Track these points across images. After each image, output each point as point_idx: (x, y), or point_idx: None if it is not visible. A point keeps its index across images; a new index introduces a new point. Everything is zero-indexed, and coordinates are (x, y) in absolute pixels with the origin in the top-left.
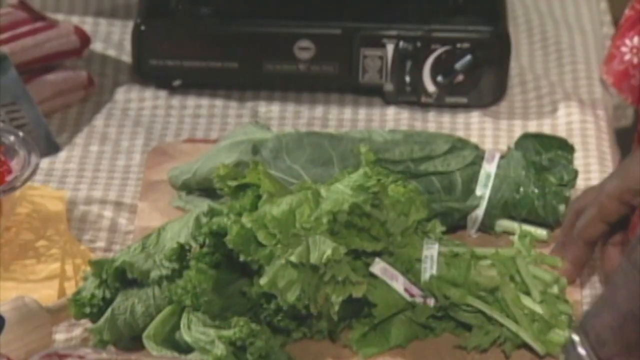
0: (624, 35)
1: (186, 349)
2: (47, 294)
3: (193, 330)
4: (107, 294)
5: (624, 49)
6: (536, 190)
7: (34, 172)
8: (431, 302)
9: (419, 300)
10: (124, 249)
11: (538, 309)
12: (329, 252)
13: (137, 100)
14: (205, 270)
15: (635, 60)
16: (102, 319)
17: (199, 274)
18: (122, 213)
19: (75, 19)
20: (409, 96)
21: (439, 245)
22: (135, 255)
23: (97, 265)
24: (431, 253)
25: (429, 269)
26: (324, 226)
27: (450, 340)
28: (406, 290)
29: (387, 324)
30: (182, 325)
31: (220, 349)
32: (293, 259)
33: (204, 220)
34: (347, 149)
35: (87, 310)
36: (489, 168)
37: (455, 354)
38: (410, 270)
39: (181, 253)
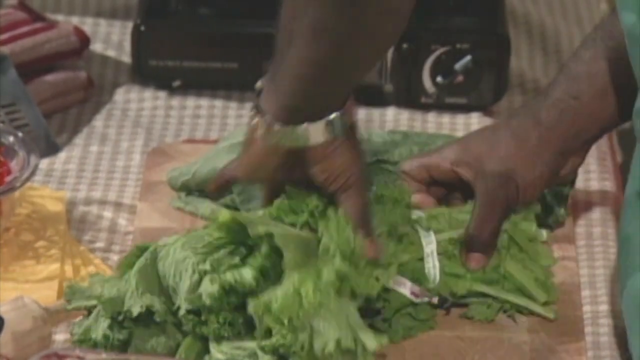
0: None
1: None
2: (46, 295)
3: (224, 346)
4: (122, 336)
5: None
6: None
7: (33, 173)
8: (435, 300)
9: (424, 299)
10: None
11: (541, 274)
12: (331, 345)
13: (136, 101)
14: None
15: None
16: None
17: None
18: (121, 214)
19: (74, 20)
20: (409, 97)
21: (434, 235)
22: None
23: (108, 305)
24: (431, 249)
25: (432, 270)
26: (332, 296)
27: (451, 340)
28: (412, 293)
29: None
30: (211, 346)
31: (266, 359)
32: (297, 349)
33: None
34: None
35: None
36: None
37: (455, 353)
38: (415, 275)
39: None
